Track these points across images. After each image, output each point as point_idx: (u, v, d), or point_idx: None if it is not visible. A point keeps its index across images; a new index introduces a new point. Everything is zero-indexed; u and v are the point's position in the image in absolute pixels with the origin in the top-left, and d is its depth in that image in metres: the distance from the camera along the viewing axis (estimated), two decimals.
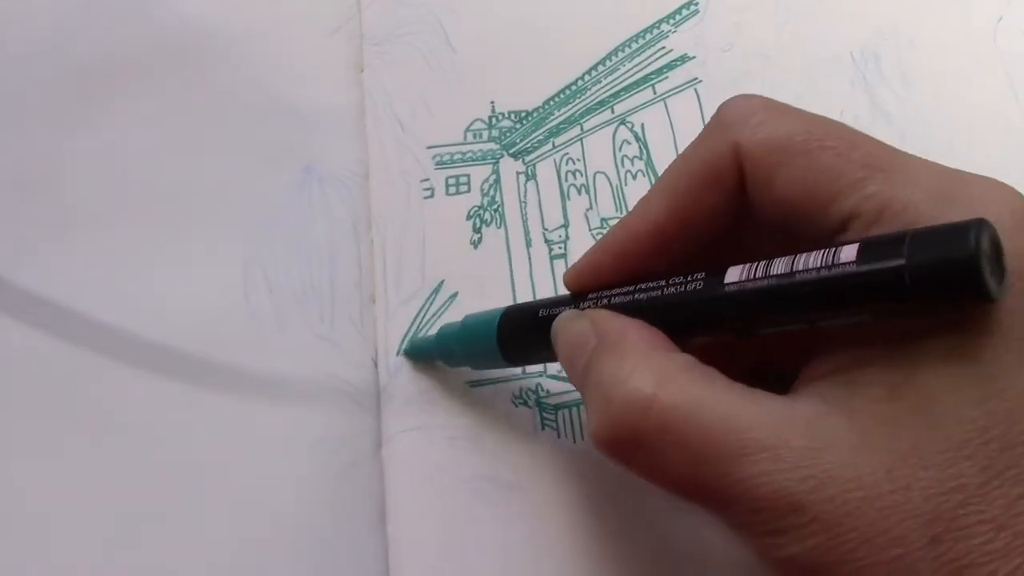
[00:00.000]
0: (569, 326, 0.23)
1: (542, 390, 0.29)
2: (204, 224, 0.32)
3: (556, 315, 0.24)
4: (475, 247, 0.32)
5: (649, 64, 0.35)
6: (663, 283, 0.21)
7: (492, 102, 0.34)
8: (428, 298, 0.31)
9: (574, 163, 0.33)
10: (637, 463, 0.20)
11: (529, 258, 0.31)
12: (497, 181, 0.33)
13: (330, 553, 0.27)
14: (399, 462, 0.29)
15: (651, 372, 0.20)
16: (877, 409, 0.18)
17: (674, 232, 0.22)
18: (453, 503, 0.28)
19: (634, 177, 0.33)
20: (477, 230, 0.32)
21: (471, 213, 0.32)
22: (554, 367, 0.29)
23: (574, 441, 0.29)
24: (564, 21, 0.36)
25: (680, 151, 0.32)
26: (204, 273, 0.31)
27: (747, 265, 0.20)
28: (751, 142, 0.21)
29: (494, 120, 0.34)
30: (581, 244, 0.32)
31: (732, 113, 0.21)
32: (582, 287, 0.24)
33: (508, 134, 0.34)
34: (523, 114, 0.34)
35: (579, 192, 0.33)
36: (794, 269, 0.19)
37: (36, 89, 0.33)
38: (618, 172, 0.33)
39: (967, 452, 0.17)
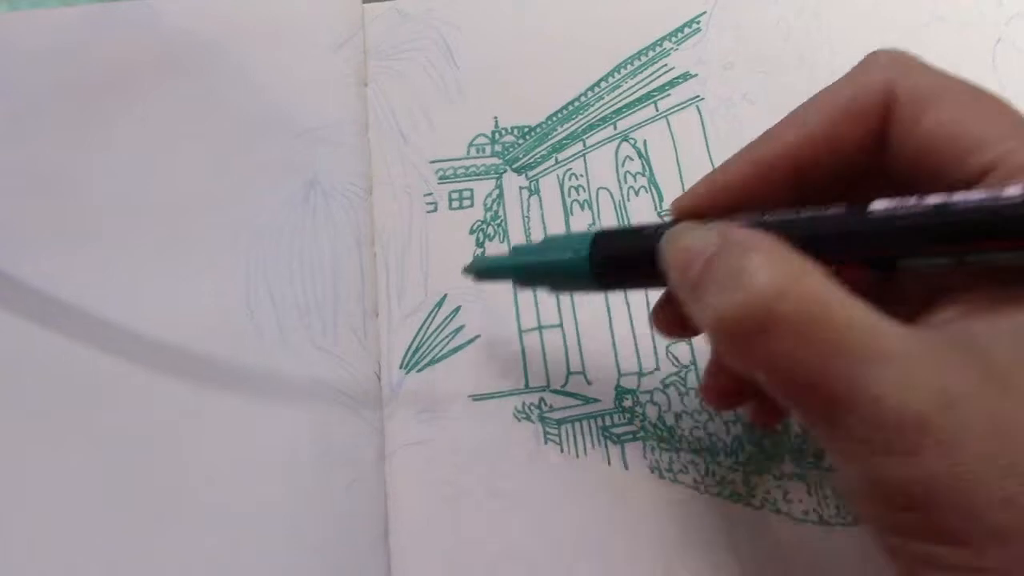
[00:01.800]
0: (687, 232, 0.22)
1: (545, 405, 0.29)
2: (207, 237, 0.32)
3: (662, 234, 0.23)
4: None
5: (651, 81, 0.35)
6: (795, 210, 0.21)
7: (495, 117, 0.35)
8: (431, 312, 0.31)
9: (577, 178, 0.33)
10: (759, 350, 0.19)
11: None
12: (500, 196, 0.33)
13: (333, 566, 0.27)
14: (402, 476, 0.29)
15: (788, 265, 0.19)
16: (1013, 352, 0.18)
17: (804, 160, 0.22)
18: (455, 517, 0.28)
19: (636, 193, 0.33)
20: (480, 244, 0.32)
21: (474, 227, 0.33)
22: (558, 381, 0.30)
23: (576, 456, 0.29)
24: (567, 38, 0.36)
25: (682, 167, 0.33)
26: (207, 285, 0.31)
27: (896, 198, 0.20)
28: (906, 80, 0.21)
29: (497, 135, 0.34)
30: None
31: (887, 56, 0.22)
32: (694, 214, 0.23)
33: (511, 149, 0.34)
34: (526, 129, 0.34)
35: (582, 207, 0.33)
36: (950, 202, 0.19)
37: (42, 101, 0.34)
38: (621, 188, 0.33)
39: None
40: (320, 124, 0.34)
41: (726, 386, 0.25)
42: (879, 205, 0.20)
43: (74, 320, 0.30)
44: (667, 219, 0.24)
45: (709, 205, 0.23)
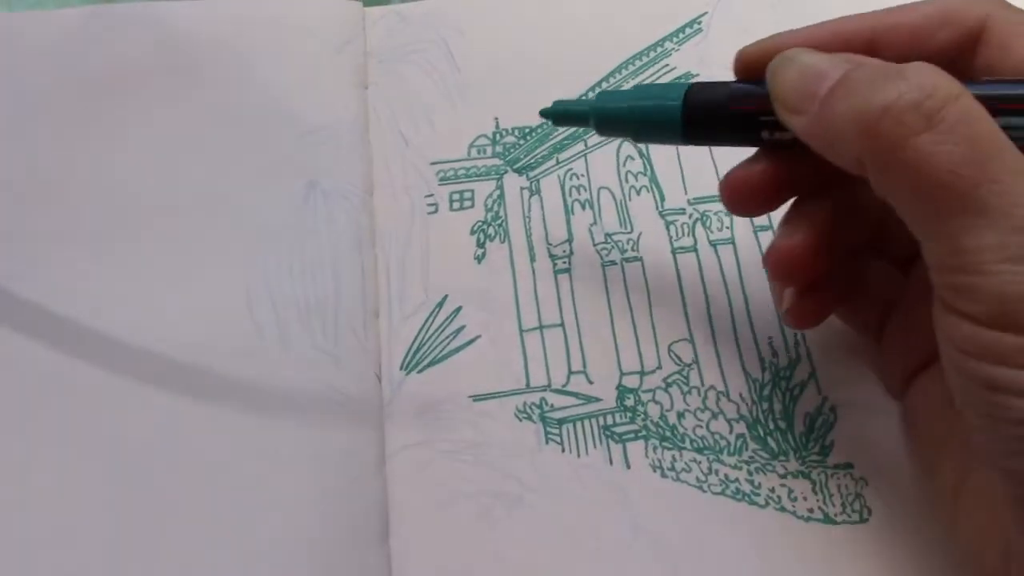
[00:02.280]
0: (804, 55, 0.22)
1: (546, 404, 0.29)
2: (208, 238, 0.32)
3: (754, 91, 0.23)
4: (479, 262, 0.32)
5: (653, 81, 0.35)
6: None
7: (496, 118, 0.35)
8: (432, 312, 0.31)
9: (578, 178, 0.33)
10: (915, 143, 0.19)
11: (533, 273, 0.31)
12: (501, 196, 0.33)
13: (333, 568, 0.27)
14: (402, 477, 0.28)
15: (952, 79, 0.19)
16: None
17: (883, 43, 0.23)
18: (456, 518, 0.28)
19: (638, 193, 0.33)
20: (481, 245, 0.32)
21: (475, 228, 0.32)
22: (559, 380, 0.29)
23: (578, 456, 0.28)
24: (568, 39, 0.36)
25: (684, 166, 0.33)
26: (208, 287, 0.31)
27: None
28: (1002, 13, 0.22)
29: (498, 136, 0.34)
30: (585, 259, 0.32)
31: None
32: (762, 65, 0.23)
33: (512, 150, 0.34)
34: (527, 130, 0.34)
35: (583, 207, 0.33)
36: None
37: (42, 102, 0.34)
38: (622, 187, 0.33)
39: None
40: (321, 126, 0.34)
41: (759, 181, 0.25)
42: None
43: (74, 321, 0.30)
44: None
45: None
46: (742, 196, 0.25)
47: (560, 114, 0.28)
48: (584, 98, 0.28)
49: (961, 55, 0.23)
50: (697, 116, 0.24)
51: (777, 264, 0.25)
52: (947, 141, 0.18)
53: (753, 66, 0.24)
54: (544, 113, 0.28)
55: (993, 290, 0.18)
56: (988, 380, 0.19)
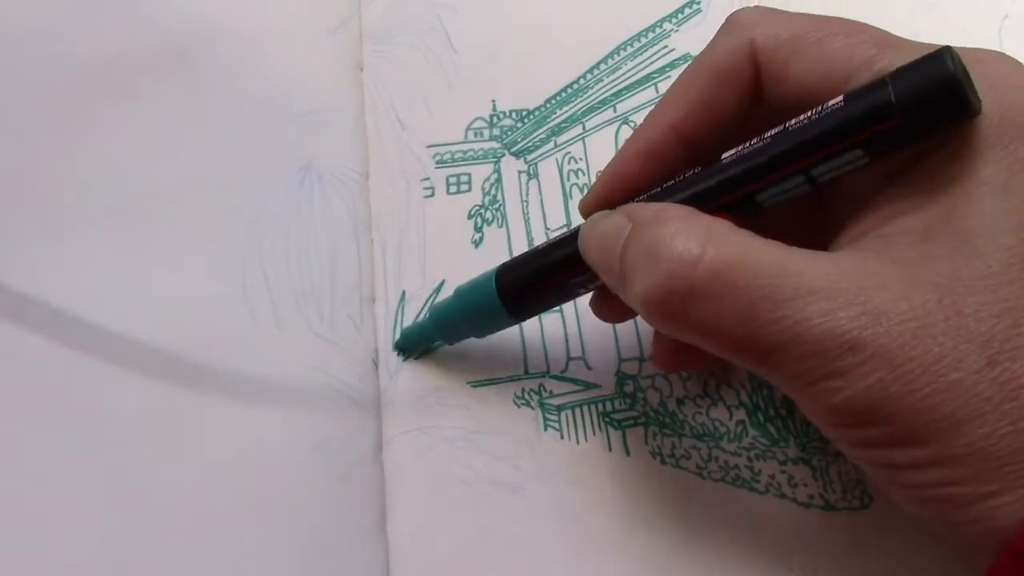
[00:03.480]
0: (600, 222, 0.23)
1: (545, 391, 0.29)
2: (203, 223, 0.31)
3: (558, 256, 0.25)
4: (476, 246, 0.31)
5: (651, 63, 0.34)
6: (679, 176, 0.23)
7: (493, 101, 0.34)
8: (429, 298, 0.31)
9: (576, 162, 0.33)
10: (690, 318, 0.20)
11: None
12: (499, 180, 0.33)
13: (330, 555, 0.27)
14: (400, 464, 0.28)
15: (697, 230, 0.20)
16: (918, 250, 0.19)
17: (689, 132, 0.23)
18: (454, 505, 0.28)
19: None
20: (479, 229, 0.32)
21: (472, 212, 0.32)
22: (558, 366, 0.29)
23: (577, 442, 0.28)
24: (566, 20, 0.35)
25: None
26: (203, 272, 0.30)
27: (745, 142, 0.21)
28: (765, 36, 0.22)
29: (495, 119, 0.34)
30: None
31: (744, 16, 0.23)
32: (601, 206, 0.24)
33: (509, 133, 0.34)
34: (524, 113, 0.34)
35: (581, 191, 0.32)
36: (785, 126, 0.20)
37: (33, 88, 0.33)
38: None
39: (1010, 277, 0.18)
40: (315, 108, 0.34)
41: (672, 349, 0.26)
42: (729, 152, 0.22)
43: (66, 308, 0.29)
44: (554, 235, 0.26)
45: (612, 199, 0.24)
46: (605, 315, 0.27)
47: (410, 342, 0.30)
48: (421, 320, 0.30)
49: (758, 94, 0.23)
50: (513, 298, 0.26)
51: (660, 361, 0.27)
52: (712, 308, 0.19)
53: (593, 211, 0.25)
54: (396, 346, 0.30)
55: (817, 406, 0.19)
56: (863, 461, 0.20)
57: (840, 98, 0.19)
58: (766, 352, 0.19)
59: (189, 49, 0.34)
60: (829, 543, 0.26)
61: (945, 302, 0.18)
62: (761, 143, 0.21)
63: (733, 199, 0.21)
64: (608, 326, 0.30)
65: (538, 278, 0.25)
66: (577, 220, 0.32)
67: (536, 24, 0.35)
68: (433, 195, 0.32)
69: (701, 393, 0.29)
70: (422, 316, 0.30)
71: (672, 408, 0.28)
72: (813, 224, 0.24)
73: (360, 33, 0.36)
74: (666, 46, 0.35)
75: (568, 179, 0.33)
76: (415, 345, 0.30)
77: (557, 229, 0.32)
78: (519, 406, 0.29)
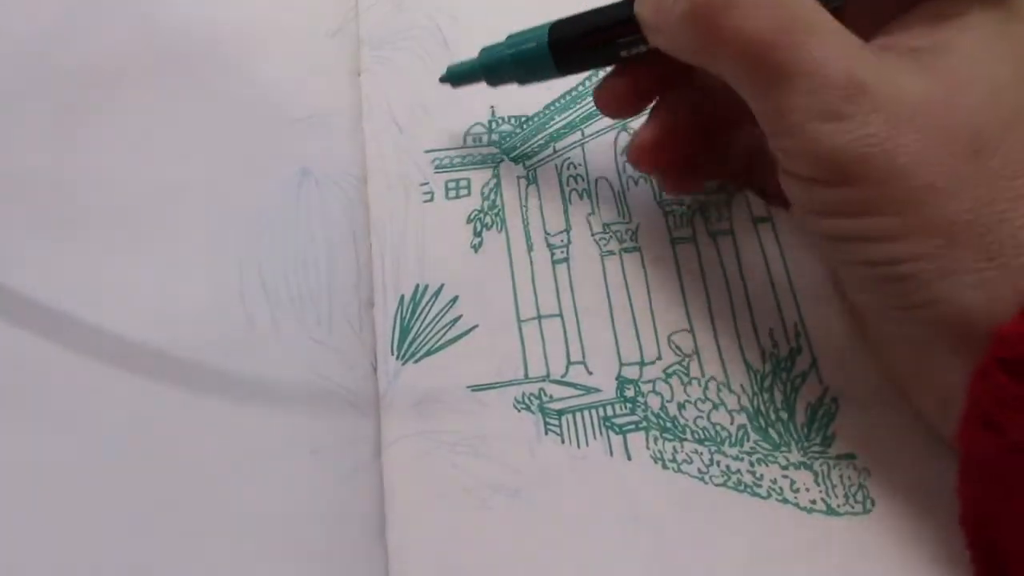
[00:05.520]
0: None
1: (545, 395, 0.29)
2: (200, 227, 0.31)
3: (612, 15, 0.26)
4: (476, 251, 0.31)
5: None
6: None
7: (492, 107, 0.34)
8: (428, 302, 0.30)
9: (575, 168, 0.33)
10: (725, 25, 0.21)
11: (531, 262, 0.31)
12: (498, 185, 0.33)
13: (329, 561, 0.26)
14: (399, 468, 0.28)
15: None
16: (935, 55, 0.21)
17: None
18: (454, 510, 0.27)
19: (636, 183, 0.33)
20: (478, 233, 0.32)
21: (471, 217, 0.32)
22: (558, 371, 0.29)
23: (578, 447, 0.28)
24: None
25: None
26: (200, 276, 0.30)
27: None
28: None
29: (494, 124, 0.34)
30: (583, 249, 0.31)
31: None
32: None
33: (508, 138, 0.34)
34: (523, 119, 0.34)
35: (581, 197, 0.32)
36: None
37: (32, 91, 0.33)
38: (620, 177, 0.33)
39: (1005, 97, 0.20)
40: (313, 113, 0.33)
41: (623, 90, 0.28)
42: None
43: (64, 312, 0.29)
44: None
45: None
46: (609, 102, 0.28)
47: (455, 76, 0.32)
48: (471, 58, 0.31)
49: None
50: (562, 49, 0.28)
51: (634, 155, 0.29)
52: (751, 15, 0.21)
53: None
54: (442, 79, 0.32)
55: (808, 148, 0.20)
56: (829, 232, 0.21)
57: None
58: (779, 71, 0.20)
59: (187, 53, 0.34)
60: (831, 548, 0.26)
61: (945, 96, 0.20)
62: None
63: None
64: (609, 330, 0.30)
65: (591, 32, 0.27)
66: (577, 225, 0.32)
67: None
68: (432, 200, 0.32)
69: (702, 397, 0.28)
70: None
71: (673, 412, 0.28)
72: None
73: (358, 38, 0.36)
74: None
75: (567, 184, 0.33)
76: (459, 77, 0.32)
77: (557, 234, 0.32)
78: (519, 410, 0.29)
